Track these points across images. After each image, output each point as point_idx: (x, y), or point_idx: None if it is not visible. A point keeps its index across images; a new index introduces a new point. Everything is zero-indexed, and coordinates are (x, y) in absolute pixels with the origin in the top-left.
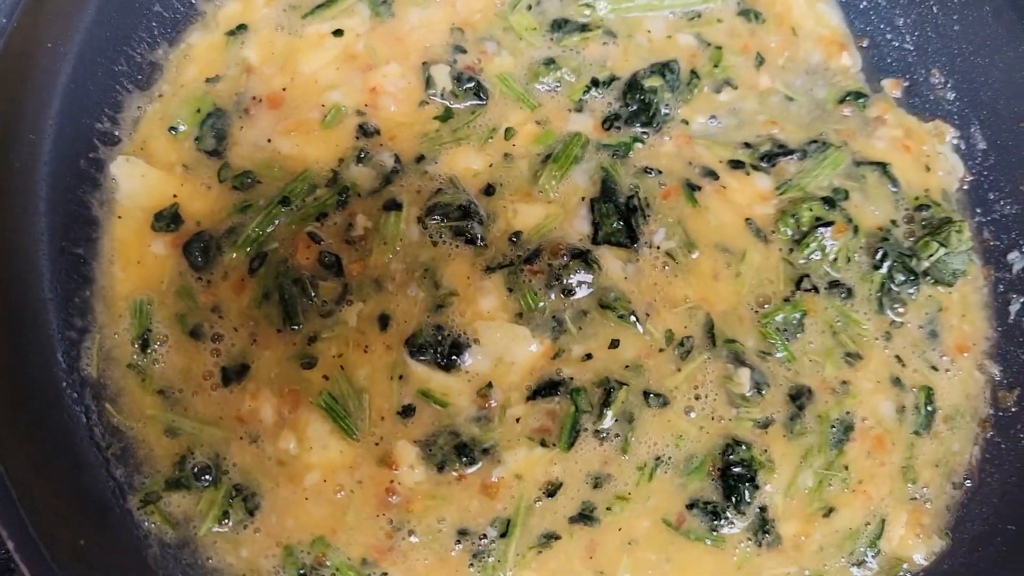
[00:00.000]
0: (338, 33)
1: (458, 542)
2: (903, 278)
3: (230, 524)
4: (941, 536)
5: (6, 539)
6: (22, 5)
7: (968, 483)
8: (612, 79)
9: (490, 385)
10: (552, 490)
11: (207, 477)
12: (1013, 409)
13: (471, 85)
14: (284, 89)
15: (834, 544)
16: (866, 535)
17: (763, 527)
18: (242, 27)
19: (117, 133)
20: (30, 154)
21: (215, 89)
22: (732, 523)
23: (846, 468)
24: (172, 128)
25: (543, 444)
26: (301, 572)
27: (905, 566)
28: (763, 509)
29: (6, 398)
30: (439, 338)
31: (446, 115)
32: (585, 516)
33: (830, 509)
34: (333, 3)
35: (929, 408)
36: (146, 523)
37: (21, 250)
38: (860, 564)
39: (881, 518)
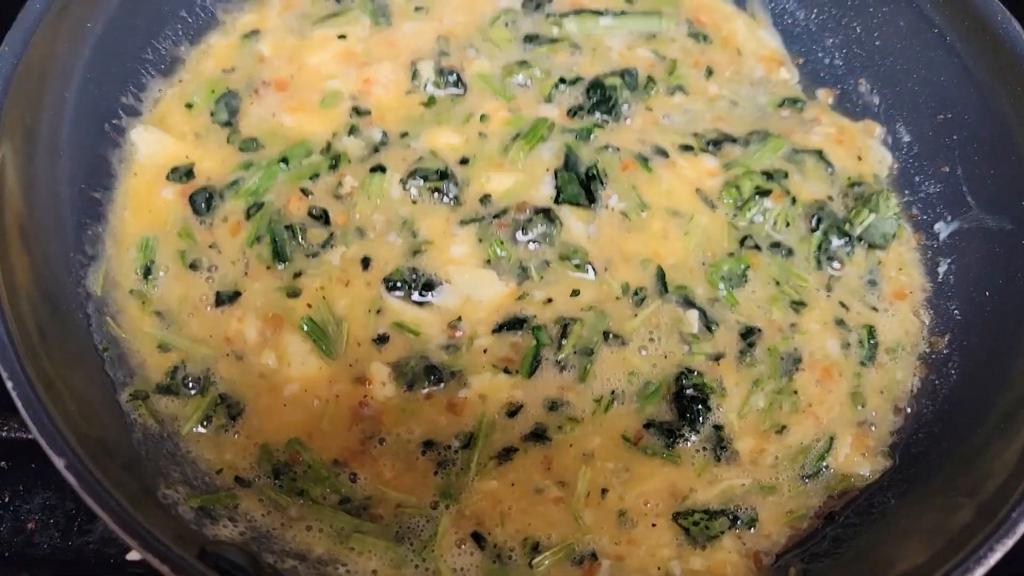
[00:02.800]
0: (342, 37)
1: (424, 452)
2: (839, 240)
3: (211, 427)
4: (886, 457)
5: (5, 379)
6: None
7: (909, 410)
8: (577, 79)
9: (459, 319)
10: (513, 411)
11: (195, 386)
12: (945, 351)
13: (452, 78)
14: (291, 77)
15: (788, 458)
16: (816, 451)
17: (720, 443)
18: (256, 32)
19: (139, 107)
20: (58, 108)
21: (230, 77)
22: (687, 439)
23: (795, 393)
24: (188, 104)
25: (506, 371)
26: (275, 467)
27: (852, 480)
28: (719, 428)
29: (30, 279)
30: (414, 277)
31: (429, 102)
32: (537, 435)
33: (782, 427)
34: (340, 15)
35: (872, 342)
36: (132, 414)
37: (45, 183)
38: (812, 477)
39: (830, 436)
